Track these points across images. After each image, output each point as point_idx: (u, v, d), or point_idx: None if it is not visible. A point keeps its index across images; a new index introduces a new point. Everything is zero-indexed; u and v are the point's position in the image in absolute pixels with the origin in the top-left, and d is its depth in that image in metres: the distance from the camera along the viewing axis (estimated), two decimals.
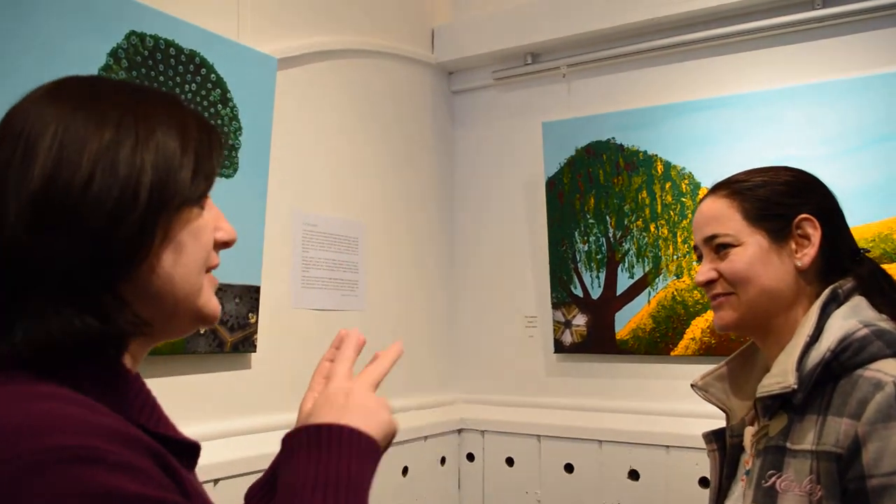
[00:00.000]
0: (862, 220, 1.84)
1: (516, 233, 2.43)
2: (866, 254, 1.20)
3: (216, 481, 1.63)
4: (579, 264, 2.22)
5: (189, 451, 0.78)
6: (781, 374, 1.08)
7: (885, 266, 1.74)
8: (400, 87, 2.37)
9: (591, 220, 2.20)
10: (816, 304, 1.10)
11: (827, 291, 1.10)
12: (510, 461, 2.34)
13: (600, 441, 2.16)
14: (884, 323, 1.08)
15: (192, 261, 0.77)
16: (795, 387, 1.05)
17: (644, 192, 2.11)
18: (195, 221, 0.77)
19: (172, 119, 0.76)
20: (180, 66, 1.56)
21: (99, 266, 0.70)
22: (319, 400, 0.86)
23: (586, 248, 2.21)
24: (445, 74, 2.57)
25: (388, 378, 2.22)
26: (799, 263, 1.13)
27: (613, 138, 2.17)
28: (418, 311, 2.40)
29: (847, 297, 1.11)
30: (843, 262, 1.15)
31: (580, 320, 2.22)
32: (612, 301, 2.18)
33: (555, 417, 2.26)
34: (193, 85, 1.59)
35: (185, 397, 1.65)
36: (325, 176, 2.07)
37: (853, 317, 1.08)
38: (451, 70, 2.56)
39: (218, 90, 1.64)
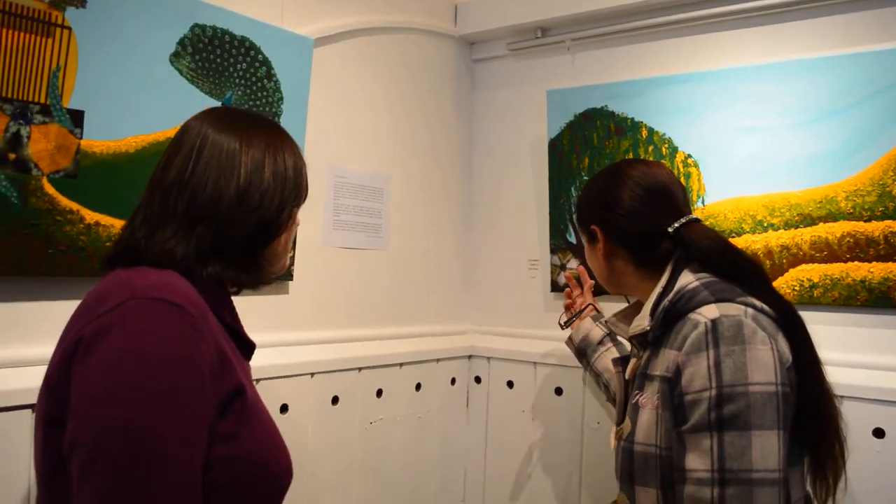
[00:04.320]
0: (813, 184, 2.12)
1: (524, 186, 2.76)
2: (693, 223, 1.48)
3: (258, 381, 2.04)
4: (574, 216, 2.55)
5: (247, 345, 1.24)
6: (641, 319, 1.44)
7: (826, 225, 2.06)
8: (425, 58, 2.71)
9: (584, 177, 2.52)
10: (668, 267, 1.44)
11: (674, 258, 1.45)
12: (510, 384, 2.71)
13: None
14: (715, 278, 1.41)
15: (291, 238, 1.27)
16: (648, 328, 1.41)
17: (630, 153, 2.42)
18: (296, 212, 1.26)
19: (291, 144, 1.25)
20: (234, 50, 1.94)
21: (265, 235, 1.18)
22: None
23: None
24: (467, 45, 2.89)
25: (407, 306, 2.81)
26: (598, 259, 1.55)
27: (607, 106, 2.47)
28: (437, 252, 2.77)
29: (684, 261, 1.44)
30: (655, 242, 1.49)
31: (573, 264, 2.55)
32: None
33: (548, 346, 2.60)
34: (244, 64, 1.97)
35: (240, 313, 2.05)
36: (356, 136, 2.43)
37: (691, 274, 1.41)
38: (472, 41, 2.88)
39: (264, 68, 2.02)
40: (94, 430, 0.94)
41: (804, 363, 1.37)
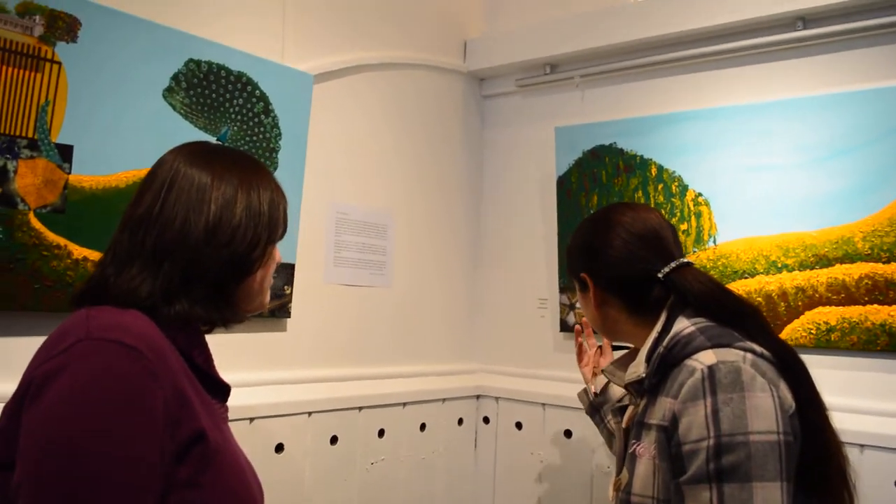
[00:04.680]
0: (828, 223, 2.04)
1: (532, 224, 2.72)
2: (684, 267, 1.41)
3: (252, 419, 1.99)
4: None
5: (221, 388, 1.19)
6: (636, 366, 1.38)
7: (842, 266, 1.99)
8: (433, 94, 2.69)
9: None
10: (664, 312, 1.38)
11: (669, 302, 1.39)
12: (519, 425, 2.64)
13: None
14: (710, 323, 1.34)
15: (269, 275, 1.23)
16: (643, 375, 1.35)
17: (640, 192, 2.36)
18: (274, 249, 1.22)
19: (268, 179, 1.21)
20: (230, 85, 1.93)
21: (237, 272, 1.14)
22: None
23: None
24: (477, 81, 2.87)
25: (412, 345, 2.74)
26: (593, 306, 1.48)
27: (615, 143, 2.43)
28: (444, 290, 2.72)
29: (680, 306, 1.38)
30: (646, 288, 1.42)
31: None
32: None
33: (558, 388, 2.53)
34: (240, 99, 1.95)
35: (232, 351, 1.99)
36: (359, 172, 2.41)
37: (686, 319, 1.35)
38: (481, 77, 2.86)
39: (261, 103, 2.00)
40: (36, 478, 0.90)
41: (808, 409, 1.29)
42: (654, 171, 2.34)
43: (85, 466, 0.91)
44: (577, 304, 2.50)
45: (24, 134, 1.57)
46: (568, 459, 2.50)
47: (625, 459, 1.44)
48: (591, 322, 1.54)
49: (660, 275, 1.39)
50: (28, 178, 1.58)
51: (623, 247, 1.42)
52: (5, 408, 1.01)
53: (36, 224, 1.60)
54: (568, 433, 2.51)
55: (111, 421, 0.94)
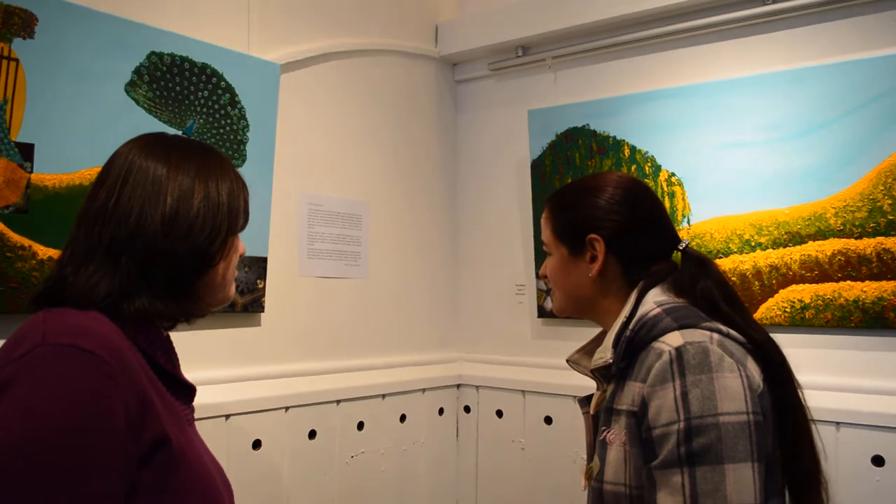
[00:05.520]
0: (800, 200, 2.03)
1: (508, 209, 2.70)
2: (685, 247, 1.38)
3: (227, 416, 1.97)
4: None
5: (186, 389, 1.16)
6: (603, 351, 1.34)
7: (815, 243, 1.98)
8: (405, 80, 2.66)
9: None
10: (633, 294, 1.35)
11: (640, 284, 1.35)
12: (500, 413, 2.63)
13: (574, 396, 2.42)
14: (680, 302, 1.32)
15: (232, 267, 1.20)
16: (611, 360, 1.32)
17: None
18: (236, 240, 1.19)
19: (228, 169, 1.19)
20: (194, 77, 1.89)
21: (197, 265, 1.11)
22: None
23: None
24: (450, 66, 2.84)
25: (390, 336, 2.70)
26: (590, 274, 1.38)
27: (588, 124, 2.40)
28: (421, 279, 2.70)
29: (651, 287, 1.35)
30: (645, 264, 1.37)
31: None
32: None
33: (537, 375, 2.53)
34: (206, 91, 1.92)
35: (204, 348, 1.97)
36: (330, 161, 2.38)
37: (651, 300, 1.33)
38: (454, 62, 2.83)
39: (227, 95, 1.97)
40: None
41: (778, 387, 1.28)
42: (626, 151, 2.33)
43: (45, 476, 0.89)
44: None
45: None
46: (549, 446, 2.49)
47: (595, 447, 1.43)
48: (568, 291, 1.44)
49: (681, 246, 1.38)
50: None
51: (656, 209, 1.39)
52: None
53: None
54: (548, 419, 2.50)
55: (70, 429, 0.91)
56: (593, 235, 1.37)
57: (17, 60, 1.60)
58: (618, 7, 2.37)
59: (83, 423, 0.92)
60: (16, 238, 1.60)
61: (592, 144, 2.39)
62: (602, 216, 1.38)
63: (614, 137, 2.35)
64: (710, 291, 1.34)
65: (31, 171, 1.62)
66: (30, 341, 0.96)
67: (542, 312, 2.54)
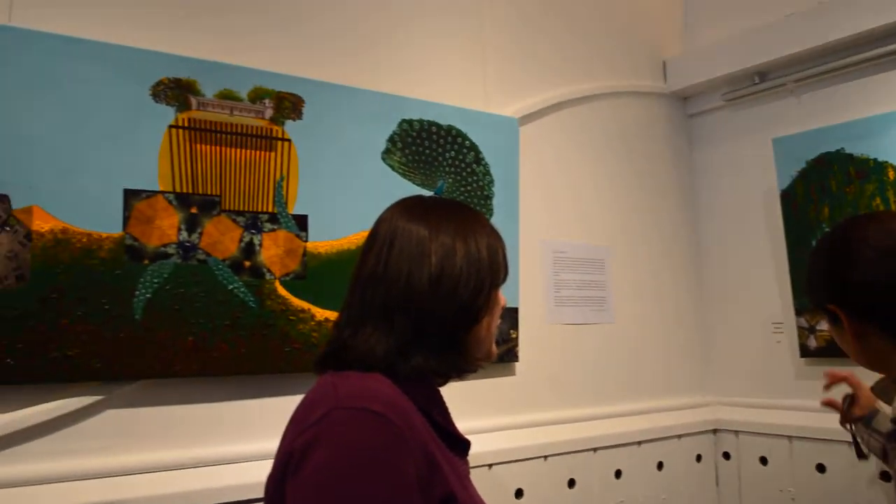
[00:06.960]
0: None
1: (756, 243, 2.56)
2: None
3: (490, 465, 2.00)
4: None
5: (461, 444, 1.19)
6: None
7: None
8: (637, 119, 2.63)
9: (825, 229, 2.28)
10: None
11: None
12: (763, 460, 2.47)
13: (850, 443, 2.22)
14: None
15: (496, 319, 1.21)
16: None
17: (877, 199, 2.16)
18: (498, 294, 1.21)
19: (484, 225, 1.21)
20: (441, 139, 1.99)
21: (464, 321, 1.14)
22: None
23: None
24: (681, 100, 2.78)
25: (642, 381, 2.64)
26: (851, 339, 1.22)
27: (843, 148, 2.24)
28: (667, 321, 2.62)
29: None
30: None
31: (824, 325, 2.30)
32: None
33: (804, 419, 2.35)
34: (452, 151, 2.01)
35: (464, 399, 2.03)
36: (571, 209, 2.39)
37: None
38: (685, 96, 2.76)
39: (472, 153, 2.05)
40: None
41: None
42: (891, 174, 2.14)
43: None
44: (818, 327, 2.31)
45: (265, 209, 1.70)
46: (825, 496, 2.29)
47: None
48: (850, 356, 1.31)
49: None
50: (272, 249, 1.70)
51: (871, 269, 1.21)
52: (270, 478, 1.07)
53: (282, 291, 1.71)
54: (821, 467, 2.31)
55: (370, 487, 0.96)
56: (830, 306, 1.26)
57: (289, 140, 1.76)
58: (860, 22, 2.22)
59: (381, 481, 0.96)
60: (297, 303, 1.74)
61: (850, 169, 2.22)
62: (827, 289, 1.27)
63: (875, 160, 2.17)
64: None
65: (307, 240, 1.76)
66: (326, 405, 1.02)
67: (806, 351, 2.36)
